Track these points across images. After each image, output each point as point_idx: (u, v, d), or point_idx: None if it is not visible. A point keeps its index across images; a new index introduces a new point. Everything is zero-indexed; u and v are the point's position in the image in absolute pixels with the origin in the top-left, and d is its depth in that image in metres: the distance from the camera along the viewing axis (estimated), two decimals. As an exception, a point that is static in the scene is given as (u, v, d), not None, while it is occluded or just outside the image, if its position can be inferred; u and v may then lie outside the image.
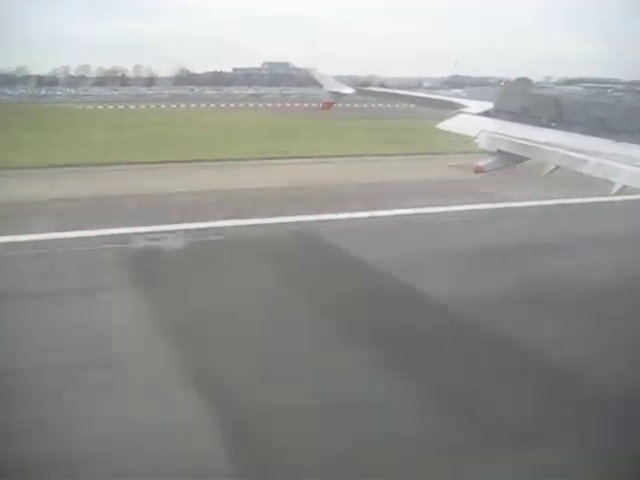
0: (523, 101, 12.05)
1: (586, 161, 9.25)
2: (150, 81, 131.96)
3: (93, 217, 17.82)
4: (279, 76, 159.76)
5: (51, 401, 8.62)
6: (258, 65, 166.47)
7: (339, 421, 8.11)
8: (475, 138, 11.76)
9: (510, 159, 11.17)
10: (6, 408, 8.35)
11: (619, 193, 8.62)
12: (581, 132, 10.02)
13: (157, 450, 7.51)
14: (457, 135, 12.85)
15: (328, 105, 18.53)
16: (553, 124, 10.80)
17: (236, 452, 7.62)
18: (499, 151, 11.20)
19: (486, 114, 12.65)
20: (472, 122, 12.53)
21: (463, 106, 13.60)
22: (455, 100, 14.38)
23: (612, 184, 8.62)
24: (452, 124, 13.20)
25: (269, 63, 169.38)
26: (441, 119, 13.11)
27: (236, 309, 11.75)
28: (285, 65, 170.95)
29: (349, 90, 18.34)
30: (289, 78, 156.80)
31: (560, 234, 16.86)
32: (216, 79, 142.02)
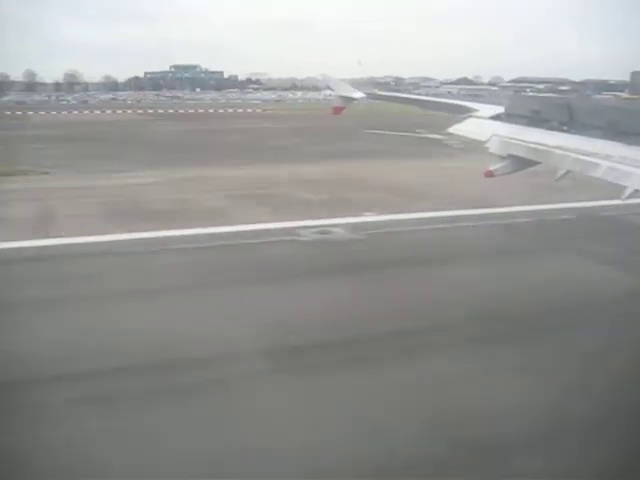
0: (534, 105, 12.00)
1: (597, 165, 9.19)
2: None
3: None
4: (186, 79, 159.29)
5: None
6: (167, 69, 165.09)
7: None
8: (486, 142, 11.74)
9: (521, 163, 11.13)
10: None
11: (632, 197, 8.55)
12: (592, 136, 9.97)
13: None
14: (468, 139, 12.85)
15: (338, 109, 18.57)
16: (565, 128, 10.75)
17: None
18: (510, 155, 11.18)
19: (497, 118, 12.62)
20: (483, 126, 12.50)
21: (473, 110, 13.59)
22: (465, 104, 14.37)
23: (623, 188, 8.56)
24: (463, 128, 13.19)
25: (176, 66, 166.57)
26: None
27: None
28: (192, 68, 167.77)
29: (360, 94, 18.41)
30: (197, 81, 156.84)
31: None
32: (108, 85, 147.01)
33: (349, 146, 37.97)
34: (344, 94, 18.17)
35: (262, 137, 44.82)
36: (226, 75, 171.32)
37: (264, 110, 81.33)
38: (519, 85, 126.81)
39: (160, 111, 79.37)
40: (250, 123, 59.23)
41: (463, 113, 13.69)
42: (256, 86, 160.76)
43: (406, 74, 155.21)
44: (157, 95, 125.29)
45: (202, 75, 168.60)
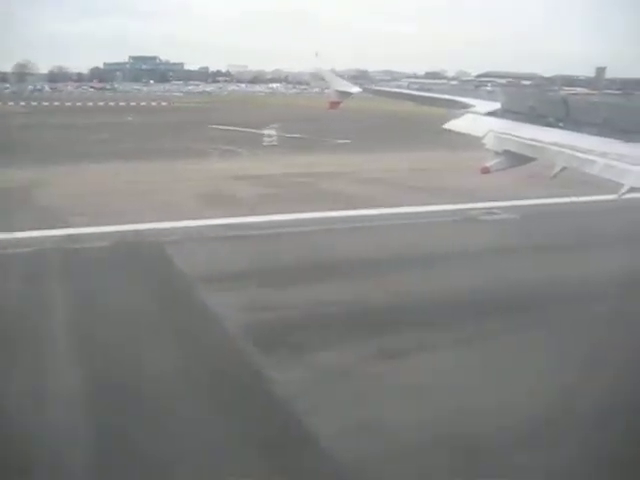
0: (531, 101, 11.95)
1: (594, 162, 9.13)
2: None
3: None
4: (142, 71, 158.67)
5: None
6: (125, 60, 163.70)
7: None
8: (482, 138, 11.67)
9: (517, 159, 11.08)
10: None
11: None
12: (589, 132, 9.92)
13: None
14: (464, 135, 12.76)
15: (334, 104, 18.43)
16: (561, 124, 10.71)
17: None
18: (506, 151, 11.12)
19: (493, 114, 12.56)
20: (479, 122, 12.43)
21: (470, 105, 13.52)
22: (462, 100, 14.29)
23: (620, 185, 8.50)
24: (459, 124, 13.12)
25: (134, 57, 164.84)
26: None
27: None
28: (151, 59, 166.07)
29: (356, 89, 18.28)
30: (153, 72, 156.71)
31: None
32: (57, 75, 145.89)
33: (156, 144, 35.45)
34: (340, 89, 18.03)
35: (83, 133, 41.42)
36: (195, 67, 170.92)
37: (171, 103, 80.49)
38: (480, 80, 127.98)
39: (56, 104, 75.44)
40: (126, 117, 56.56)
41: (460, 109, 13.62)
42: (225, 78, 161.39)
43: (371, 67, 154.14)
44: (90, 87, 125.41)
45: (161, 67, 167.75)
